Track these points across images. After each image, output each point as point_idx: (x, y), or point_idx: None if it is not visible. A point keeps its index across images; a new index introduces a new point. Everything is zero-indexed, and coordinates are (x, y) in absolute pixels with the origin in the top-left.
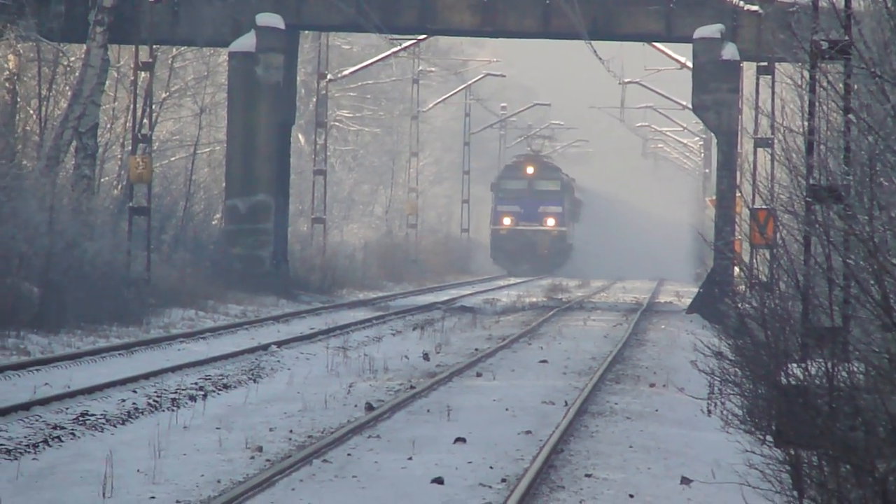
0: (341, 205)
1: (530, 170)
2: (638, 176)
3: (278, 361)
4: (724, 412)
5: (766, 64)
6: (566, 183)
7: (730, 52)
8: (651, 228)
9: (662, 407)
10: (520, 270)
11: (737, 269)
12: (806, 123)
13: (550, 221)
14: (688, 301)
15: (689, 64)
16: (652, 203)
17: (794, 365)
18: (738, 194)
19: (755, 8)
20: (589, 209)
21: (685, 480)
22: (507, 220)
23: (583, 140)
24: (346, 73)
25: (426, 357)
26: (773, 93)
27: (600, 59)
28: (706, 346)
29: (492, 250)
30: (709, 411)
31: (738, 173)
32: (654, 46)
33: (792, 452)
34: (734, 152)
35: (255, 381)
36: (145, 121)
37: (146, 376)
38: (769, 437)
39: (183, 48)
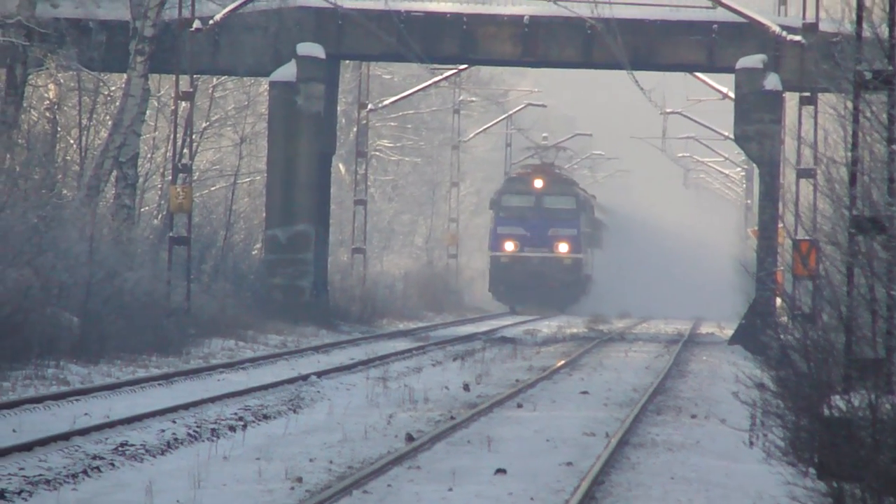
0: (381, 235)
1: (539, 183)
2: (678, 205)
3: (318, 392)
4: (767, 444)
5: (808, 94)
6: (583, 200)
7: (772, 82)
8: (689, 260)
9: (704, 438)
10: (525, 306)
11: (779, 301)
12: (849, 154)
13: (563, 247)
14: (729, 332)
15: (732, 94)
16: (691, 233)
17: (837, 397)
18: (780, 225)
19: (798, 38)
20: (616, 234)
21: None
22: (509, 245)
23: (624, 170)
24: (386, 102)
25: (466, 388)
26: (816, 123)
27: (642, 89)
28: (748, 378)
29: (491, 282)
30: (751, 443)
31: (780, 204)
32: (696, 76)
33: (835, 485)
34: (776, 183)
35: (294, 411)
36: (185, 150)
37: (186, 406)
38: (812, 470)
39: (223, 78)
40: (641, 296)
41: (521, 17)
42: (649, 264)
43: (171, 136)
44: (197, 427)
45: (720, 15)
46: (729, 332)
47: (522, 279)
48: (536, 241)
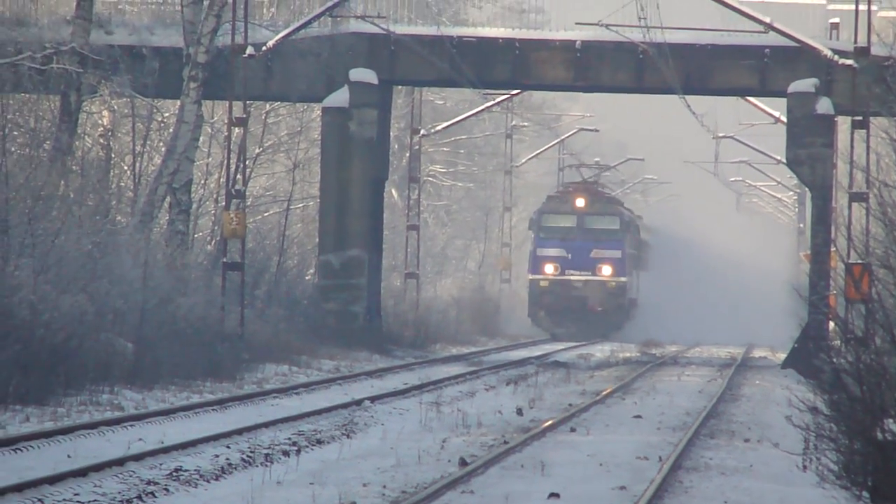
0: (434, 260)
1: (580, 202)
2: (730, 230)
3: (372, 416)
4: (820, 468)
5: (860, 118)
6: (628, 220)
7: (824, 106)
8: (740, 284)
9: (757, 462)
10: (565, 332)
11: (832, 324)
12: None
13: (606, 270)
14: (782, 357)
15: (784, 118)
16: (743, 257)
17: (891, 420)
18: (832, 249)
19: (850, 62)
20: (663, 257)
21: None
22: (549, 268)
23: (675, 195)
24: (439, 128)
25: (520, 412)
26: (868, 147)
27: (694, 113)
28: (801, 402)
29: (530, 307)
30: (804, 467)
31: (832, 228)
32: (748, 101)
33: None
34: (829, 207)
35: (348, 436)
36: (239, 176)
37: (239, 432)
38: (865, 493)
39: (276, 104)
40: (690, 321)
41: (573, 42)
42: (698, 288)
43: (225, 162)
44: (251, 452)
45: (772, 39)
46: (782, 356)
47: (563, 304)
48: (578, 263)
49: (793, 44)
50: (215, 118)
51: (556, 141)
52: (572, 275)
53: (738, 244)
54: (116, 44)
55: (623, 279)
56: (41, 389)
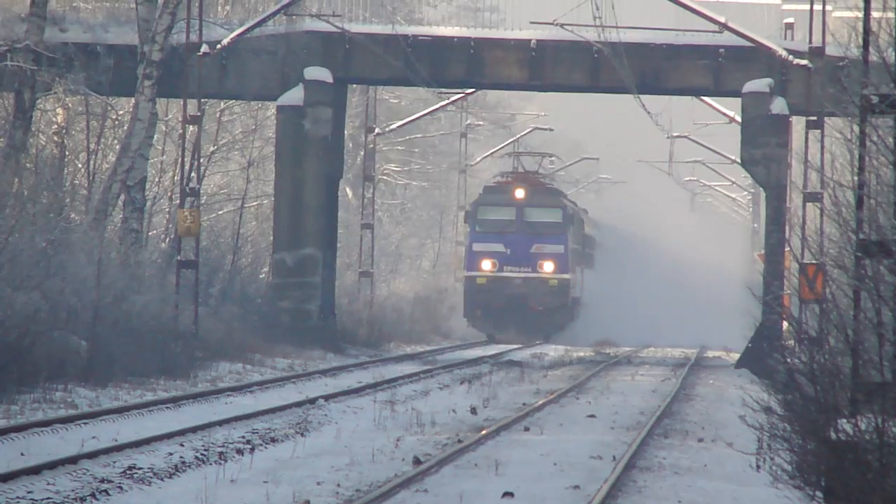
0: (389, 258)
1: (520, 193)
2: (684, 229)
3: (326, 415)
4: (774, 467)
5: (815, 118)
6: (571, 213)
7: (779, 106)
8: (693, 284)
9: (711, 462)
10: (505, 334)
11: (786, 324)
12: (856, 178)
13: (548, 266)
14: (736, 356)
15: (738, 118)
16: (696, 255)
17: (844, 420)
18: (787, 249)
19: (804, 62)
20: (611, 253)
21: None
22: (486, 264)
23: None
24: (393, 126)
25: (474, 411)
26: (823, 147)
27: (649, 112)
28: (755, 401)
29: (466, 306)
30: (758, 466)
31: (787, 228)
32: (703, 100)
33: None
34: (783, 207)
35: (302, 434)
36: (193, 174)
37: (193, 430)
38: (819, 493)
39: (231, 102)
40: (639, 322)
41: (528, 41)
42: (649, 288)
43: (179, 160)
44: (205, 450)
45: (727, 39)
46: (735, 356)
47: (501, 303)
48: (517, 259)
49: (747, 44)
50: (170, 116)
51: (510, 140)
52: (511, 271)
53: (691, 243)
54: (71, 41)
55: (566, 276)
56: None
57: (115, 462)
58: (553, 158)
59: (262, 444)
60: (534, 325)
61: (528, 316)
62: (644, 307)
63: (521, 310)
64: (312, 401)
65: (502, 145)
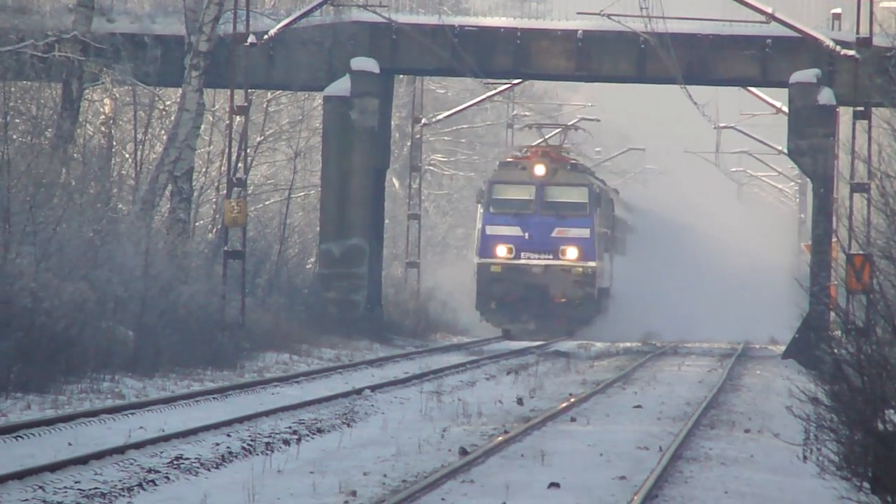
0: (435, 249)
1: (540, 170)
2: (730, 218)
3: (372, 406)
4: (821, 458)
5: (862, 108)
6: (599, 193)
7: (826, 96)
8: (739, 275)
9: (758, 453)
10: (522, 329)
11: (833, 315)
12: None
13: (571, 252)
14: (783, 348)
15: (785, 109)
16: (743, 246)
17: (892, 411)
18: (833, 239)
19: (852, 52)
20: (648, 241)
21: None
22: (501, 250)
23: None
24: (440, 117)
25: (520, 402)
26: (870, 137)
27: (695, 103)
28: (802, 392)
29: (478, 297)
30: (804, 457)
31: (833, 218)
32: (750, 91)
33: (889, 499)
34: (830, 197)
35: (348, 425)
36: (240, 165)
37: (240, 420)
38: (866, 484)
39: (278, 92)
40: (675, 315)
41: (575, 31)
42: (689, 278)
43: (226, 151)
44: (251, 441)
45: (774, 30)
46: (782, 348)
47: (518, 294)
48: (537, 244)
49: (794, 34)
50: (217, 106)
51: (556, 130)
52: (529, 258)
53: (736, 233)
54: (118, 32)
55: (592, 264)
56: (42, 377)
57: (162, 452)
58: (581, 131)
59: (308, 435)
60: (555, 320)
61: (548, 309)
62: (682, 299)
63: (540, 302)
64: (359, 391)
65: (549, 136)
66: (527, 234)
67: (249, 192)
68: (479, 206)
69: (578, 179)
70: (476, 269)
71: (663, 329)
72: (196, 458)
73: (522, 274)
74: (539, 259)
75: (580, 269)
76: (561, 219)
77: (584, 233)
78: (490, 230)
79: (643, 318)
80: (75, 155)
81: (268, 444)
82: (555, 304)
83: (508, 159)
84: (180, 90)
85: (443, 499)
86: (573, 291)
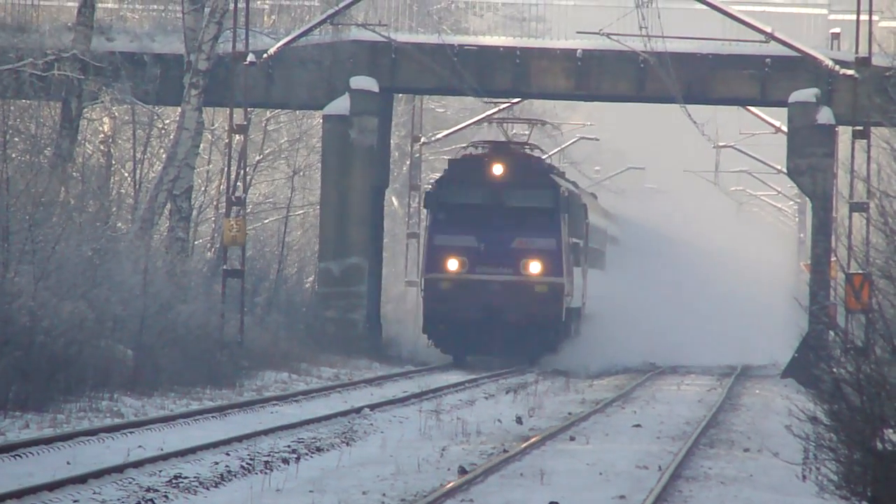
0: None
1: (498, 169)
2: (728, 236)
3: (371, 424)
4: (820, 478)
5: (861, 128)
6: (568, 197)
7: (825, 116)
8: (736, 295)
9: (757, 472)
10: (475, 356)
11: (832, 334)
12: None
13: (534, 266)
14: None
15: (784, 128)
16: (741, 265)
17: (891, 430)
18: (833, 259)
19: (851, 72)
20: (634, 255)
21: None
22: (452, 264)
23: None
24: (440, 136)
25: (519, 421)
26: (869, 157)
27: (695, 122)
28: (801, 411)
29: (425, 319)
30: (804, 477)
31: (833, 238)
32: (749, 110)
33: None
34: (829, 217)
35: (348, 444)
36: (239, 183)
37: (239, 439)
38: (865, 503)
39: (277, 111)
40: (664, 338)
41: (574, 51)
42: (680, 295)
43: (225, 169)
44: (250, 460)
45: (773, 49)
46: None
47: (472, 315)
48: (494, 257)
49: (794, 54)
50: (216, 125)
51: (556, 150)
52: (485, 273)
53: (735, 252)
54: (118, 50)
55: (559, 280)
56: (41, 396)
57: (160, 471)
58: (549, 127)
59: (307, 454)
60: (516, 346)
61: (507, 332)
62: (673, 320)
63: (498, 324)
64: (358, 410)
65: (548, 155)
66: (482, 245)
67: (248, 210)
68: (427, 210)
69: (543, 181)
70: (422, 285)
71: (649, 355)
72: (195, 477)
73: (476, 291)
74: (496, 274)
75: (544, 286)
76: (522, 227)
77: (550, 243)
78: (438, 240)
79: (625, 342)
80: (74, 173)
81: (267, 462)
82: (515, 326)
83: (461, 156)
84: (179, 109)
85: None
86: (536, 312)
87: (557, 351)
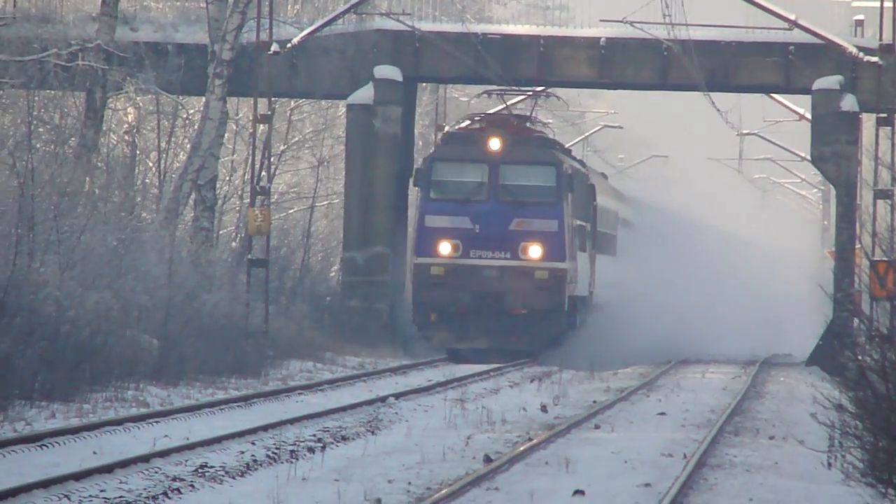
0: None
1: (495, 144)
2: (752, 224)
3: (396, 413)
4: (845, 465)
5: (885, 115)
6: (572, 175)
7: (849, 103)
8: (761, 282)
9: (782, 459)
10: (471, 348)
11: (857, 321)
12: None
13: (534, 250)
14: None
15: (808, 115)
16: (765, 252)
17: None
18: (857, 246)
19: (875, 59)
20: (653, 239)
21: None
22: (444, 247)
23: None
24: (462, 124)
25: (544, 409)
26: (893, 144)
27: (718, 110)
28: (826, 399)
29: (415, 307)
30: (829, 464)
31: (857, 225)
32: (773, 98)
33: None
34: (853, 204)
35: (373, 432)
36: (264, 173)
37: (264, 428)
38: (891, 491)
39: (301, 101)
40: (682, 328)
41: (598, 39)
42: (702, 284)
43: (250, 159)
44: (276, 448)
45: (797, 36)
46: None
47: (466, 303)
48: (490, 240)
49: (818, 41)
50: (240, 115)
51: (580, 138)
52: (481, 257)
53: (760, 239)
54: (141, 41)
55: (561, 265)
56: (67, 386)
57: (186, 460)
58: (556, 99)
59: (333, 443)
60: (514, 337)
61: (504, 322)
62: (693, 310)
63: (494, 313)
64: (383, 399)
65: (571, 143)
66: (477, 227)
67: (273, 200)
68: (418, 188)
69: (544, 157)
70: (412, 270)
71: (666, 346)
72: (221, 467)
73: (471, 277)
74: (493, 259)
75: (545, 272)
76: (521, 207)
77: (552, 225)
78: (430, 221)
79: (639, 333)
80: (99, 164)
81: (292, 451)
82: (513, 316)
83: (455, 130)
84: (204, 99)
85: None
86: (536, 300)
87: (561, 343)
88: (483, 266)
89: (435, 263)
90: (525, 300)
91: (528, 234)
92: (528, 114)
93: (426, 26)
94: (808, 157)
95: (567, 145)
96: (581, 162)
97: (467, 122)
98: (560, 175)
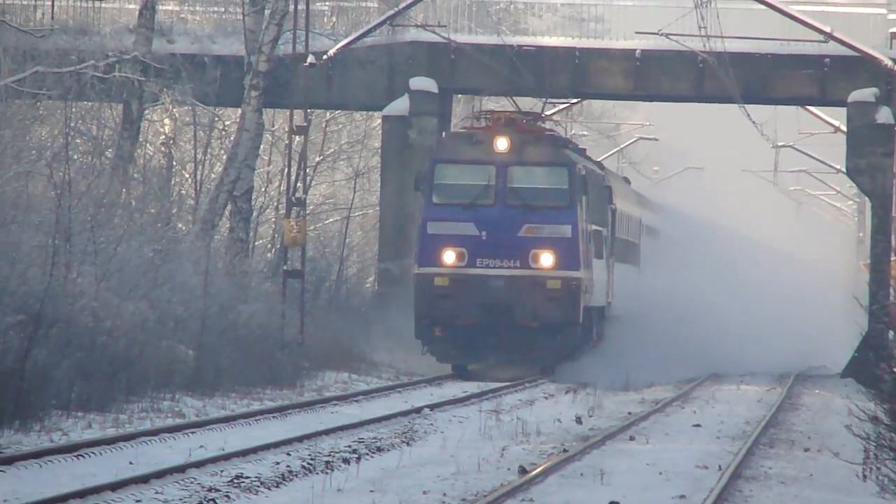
0: None
1: (502, 144)
2: (788, 238)
3: (431, 424)
4: (881, 477)
5: None
6: (585, 177)
7: (884, 115)
8: (795, 294)
9: (817, 472)
10: (478, 365)
11: (892, 333)
12: None
13: (546, 258)
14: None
15: (843, 128)
16: (799, 265)
17: None
18: (892, 258)
19: None
20: (679, 249)
21: None
22: (448, 256)
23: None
24: (467, 124)
25: (579, 420)
26: None
27: (754, 122)
28: (861, 411)
29: (417, 321)
30: (864, 476)
31: (892, 237)
32: (808, 110)
33: None
34: (889, 216)
35: (408, 444)
36: (299, 184)
37: (300, 439)
38: None
39: (337, 112)
40: (711, 343)
41: (633, 51)
42: (732, 296)
43: (286, 170)
44: (311, 459)
45: (832, 49)
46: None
47: (473, 316)
48: (498, 247)
49: (853, 53)
50: (276, 126)
51: (615, 150)
52: (488, 267)
53: (795, 251)
54: (178, 52)
55: (575, 274)
56: (103, 396)
57: (222, 471)
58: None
59: (368, 454)
60: (526, 352)
61: (514, 337)
62: (722, 323)
63: (504, 327)
64: (418, 410)
65: (607, 155)
66: (483, 234)
67: (309, 211)
68: (421, 191)
69: (556, 157)
70: (414, 281)
71: (693, 360)
72: (256, 477)
73: (477, 288)
74: (501, 268)
75: (558, 282)
76: (531, 212)
77: (564, 230)
78: (433, 228)
79: (664, 346)
80: (135, 175)
81: (328, 462)
82: (523, 330)
83: (459, 130)
84: (240, 110)
85: None
86: (549, 312)
87: (576, 358)
88: (490, 276)
89: (438, 273)
90: (536, 312)
91: (538, 240)
92: (541, 112)
93: (461, 38)
94: (843, 170)
95: (601, 158)
96: (598, 163)
97: (472, 121)
98: (573, 176)
